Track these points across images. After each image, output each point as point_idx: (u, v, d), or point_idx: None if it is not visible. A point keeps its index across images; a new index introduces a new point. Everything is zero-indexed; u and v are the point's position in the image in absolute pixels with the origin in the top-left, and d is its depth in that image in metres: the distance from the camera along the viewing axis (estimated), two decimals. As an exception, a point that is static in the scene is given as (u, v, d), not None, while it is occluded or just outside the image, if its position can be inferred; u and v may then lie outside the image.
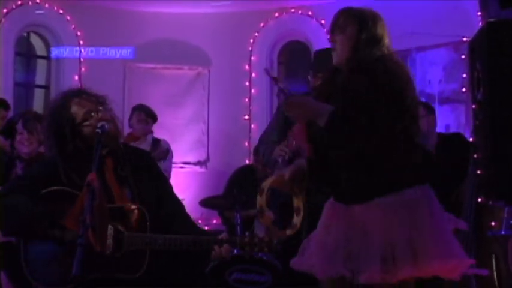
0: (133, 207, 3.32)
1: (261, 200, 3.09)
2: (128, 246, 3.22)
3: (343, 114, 2.84)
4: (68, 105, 3.37)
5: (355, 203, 2.93)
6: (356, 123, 2.82)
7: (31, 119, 5.76)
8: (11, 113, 6.94)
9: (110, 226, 3.23)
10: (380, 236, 2.84)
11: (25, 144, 5.49)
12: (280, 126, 4.44)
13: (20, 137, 5.49)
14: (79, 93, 3.45)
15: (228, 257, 3.28)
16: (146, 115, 6.87)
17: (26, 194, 3.29)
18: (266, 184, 3.12)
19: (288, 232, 3.13)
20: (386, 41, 3.03)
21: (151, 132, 6.88)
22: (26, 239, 3.30)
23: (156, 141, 6.83)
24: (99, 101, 3.43)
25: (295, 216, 3.12)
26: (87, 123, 3.34)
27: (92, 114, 3.36)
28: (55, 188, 3.31)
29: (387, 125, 2.84)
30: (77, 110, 3.36)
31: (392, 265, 2.80)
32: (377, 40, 3.00)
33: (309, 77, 4.64)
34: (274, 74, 8.53)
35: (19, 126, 5.53)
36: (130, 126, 6.76)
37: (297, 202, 3.13)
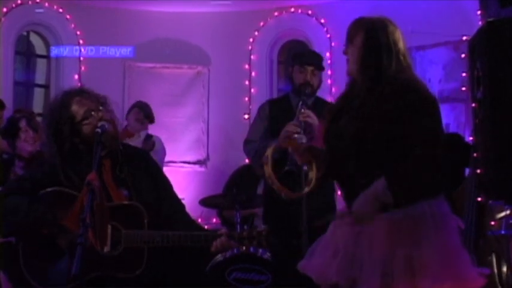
0: (129, 204, 3.32)
1: (268, 169, 3.05)
2: (126, 243, 3.22)
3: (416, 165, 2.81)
4: (69, 103, 3.38)
5: None
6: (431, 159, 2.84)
7: (35, 118, 5.77)
8: (9, 112, 6.95)
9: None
10: (383, 249, 2.80)
11: (30, 142, 5.50)
12: (265, 128, 4.50)
13: (25, 136, 5.49)
14: (80, 92, 3.45)
15: (227, 250, 3.28)
16: (144, 116, 6.89)
17: (25, 195, 3.30)
18: (269, 151, 3.07)
19: (306, 190, 3.11)
20: (402, 48, 2.97)
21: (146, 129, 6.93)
22: (25, 239, 3.30)
23: (148, 137, 6.86)
24: (100, 101, 3.43)
25: (309, 174, 3.08)
26: (87, 121, 3.34)
27: (92, 113, 3.36)
28: (54, 188, 3.31)
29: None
30: (77, 108, 3.36)
31: (392, 281, 2.75)
32: (388, 48, 2.94)
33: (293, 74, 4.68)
34: (274, 73, 8.55)
35: (23, 124, 5.53)
36: (127, 120, 6.77)
37: (310, 173, 3.08)
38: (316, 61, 4.74)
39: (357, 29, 3.01)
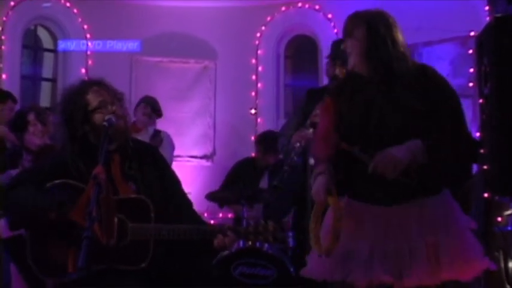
0: (136, 198, 3.33)
1: (315, 229, 3.01)
2: (133, 236, 3.23)
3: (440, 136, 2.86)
4: (85, 91, 3.41)
5: (394, 203, 2.91)
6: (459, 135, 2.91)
7: (44, 111, 5.79)
8: (17, 106, 6.97)
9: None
10: (421, 236, 2.84)
11: (38, 135, 5.52)
12: (298, 123, 4.48)
13: (34, 129, 5.51)
14: (99, 83, 3.48)
15: (232, 247, 3.28)
16: (152, 110, 6.89)
17: (34, 186, 3.30)
18: (314, 218, 3.01)
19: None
20: (402, 39, 3.00)
21: (154, 124, 6.92)
22: (33, 231, 3.31)
23: (157, 133, 6.86)
24: (116, 96, 3.46)
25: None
26: (99, 111, 3.37)
27: (107, 106, 3.38)
28: (62, 180, 3.33)
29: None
30: (92, 97, 3.39)
31: (437, 266, 2.81)
32: (391, 39, 2.96)
33: (327, 67, 4.66)
34: (281, 68, 8.53)
35: (31, 117, 5.55)
36: (135, 115, 6.77)
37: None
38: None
39: (356, 22, 3.03)
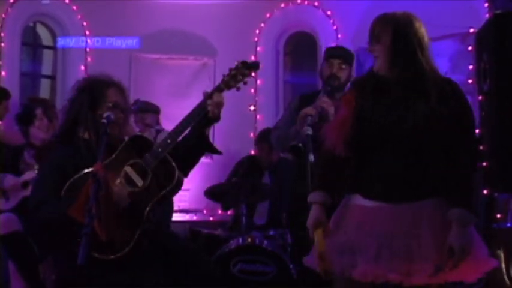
0: (132, 138, 3.62)
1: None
2: (150, 166, 3.43)
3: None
4: (108, 85, 3.62)
5: (406, 201, 2.92)
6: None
7: (51, 106, 5.85)
8: (16, 102, 6.96)
9: (125, 167, 3.43)
10: (431, 235, 2.85)
11: (43, 130, 5.58)
12: (291, 118, 4.48)
13: (40, 123, 5.58)
14: (121, 88, 3.70)
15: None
16: (141, 112, 6.83)
17: (55, 197, 3.32)
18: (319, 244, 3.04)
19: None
20: (427, 42, 3.00)
21: (156, 124, 6.88)
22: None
23: (158, 132, 6.84)
24: (127, 107, 3.72)
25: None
26: (110, 109, 3.53)
27: (117, 108, 3.57)
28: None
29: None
30: (111, 94, 3.60)
31: (444, 266, 2.81)
32: (419, 44, 2.97)
33: (322, 68, 4.67)
34: (280, 65, 8.53)
35: (39, 112, 5.61)
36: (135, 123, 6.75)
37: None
38: (342, 54, 4.72)
39: (383, 26, 3.00)
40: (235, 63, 3.63)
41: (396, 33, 2.96)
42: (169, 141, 3.50)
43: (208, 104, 3.57)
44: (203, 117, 3.55)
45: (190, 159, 3.68)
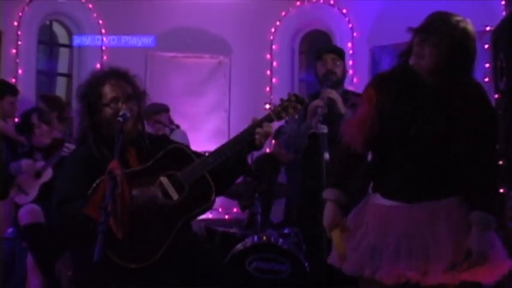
0: (170, 148, 3.52)
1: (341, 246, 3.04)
2: (188, 181, 3.37)
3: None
4: (103, 82, 3.50)
5: (424, 200, 2.91)
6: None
7: (45, 111, 5.89)
8: (32, 100, 7.01)
9: (161, 178, 3.37)
10: (447, 235, 2.84)
11: (45, 136, 5.64)
12: (298, 123, 4.48)
13: (39, 131, 5.65)
14: (118, 75, 3.55)
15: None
16: (155, 114, 6.82)
17: (80, 195, 3.30)
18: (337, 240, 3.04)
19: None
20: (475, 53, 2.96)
21: (170, 124, 6.88)
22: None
23: (172, 130, 6.84)
24: (135, 93, 3.53)
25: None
26: (111, 106, 3.44)
27: (118, 103, 3.45)
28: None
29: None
30: (108, 91, 3.47)
31: (460, 266, 2.80)
32: (473, 56, 2.93)
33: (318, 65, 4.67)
34: (296, 63, 8.53)
35: (35, 120, 5.66)
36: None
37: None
38: (334, 49, 4.73)
39: (441, 28, 2.91)
40: (288, 94, 3.56)
41: (459, 46, 2.88)
42: (211, 160, 3.42)
43: (257, 132, 3.45)
44: (248, 143, 3.49)
45: (226, 180, 3.61)
